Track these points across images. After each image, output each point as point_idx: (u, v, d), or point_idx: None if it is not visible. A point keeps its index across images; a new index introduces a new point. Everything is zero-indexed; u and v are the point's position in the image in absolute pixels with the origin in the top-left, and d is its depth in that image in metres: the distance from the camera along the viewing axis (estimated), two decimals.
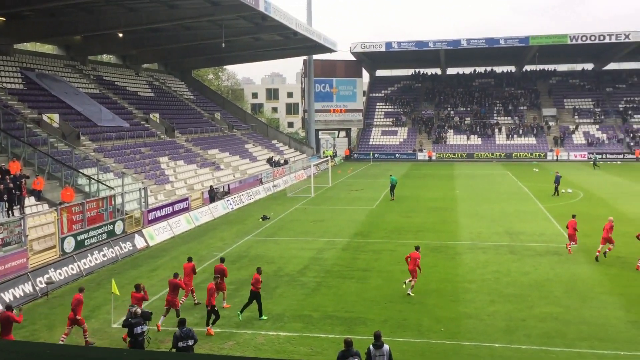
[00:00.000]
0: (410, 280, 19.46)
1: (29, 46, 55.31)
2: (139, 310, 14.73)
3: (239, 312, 17.57)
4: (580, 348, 15.00)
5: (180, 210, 33.73)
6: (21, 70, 42.11)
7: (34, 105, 38.74)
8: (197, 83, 73.30)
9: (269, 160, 56.72)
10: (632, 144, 73.27)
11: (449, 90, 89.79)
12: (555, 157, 72.02)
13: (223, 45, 47.90)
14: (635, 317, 16.96)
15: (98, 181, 30.45)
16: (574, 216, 25.45)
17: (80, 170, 31.19)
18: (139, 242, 27.38)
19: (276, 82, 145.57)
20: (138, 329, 14.30)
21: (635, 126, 76.73)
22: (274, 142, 68.37)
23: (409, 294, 19.26)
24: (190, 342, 13.54)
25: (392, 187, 41.80)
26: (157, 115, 50.72)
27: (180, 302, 17.80)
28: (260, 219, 34.11)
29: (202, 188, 40.02)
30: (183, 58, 65.10)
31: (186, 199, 35.43)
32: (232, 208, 38.08)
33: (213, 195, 37.75)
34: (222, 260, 20.18)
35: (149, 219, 30.70)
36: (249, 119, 73.60)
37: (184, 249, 27.15)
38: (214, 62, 77.03)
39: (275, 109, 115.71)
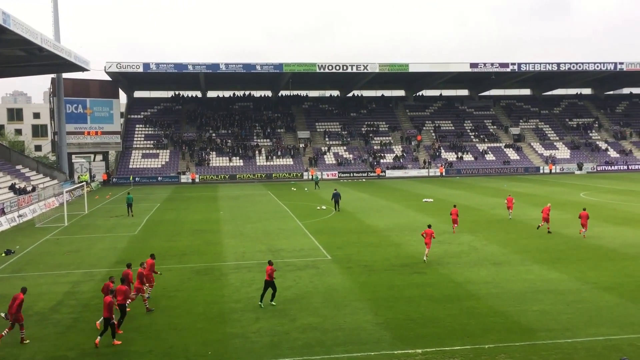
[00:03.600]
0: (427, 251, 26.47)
1: None
2: None
3: (260, 303, 20.15)
4: (337, 353, 16.17)
5: None
6: None
7: None
8: None
9: (12, 188, 50.91)
10: (374, 163, 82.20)
11: (210, 113, 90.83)
12: (310, 177, 77.29)
13: None
14: (381, 319, 18.88)
15: None
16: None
17: None
18: None
19: (20, 101, 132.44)
20: None
21: (375, 147, 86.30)
22: (19, 167, 61.59)
23: (424, 261, 26.29)
24: None
25: (129, 205, 43.50)
26: None
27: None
28: (3, 254, 30.36)
29: None
30: None
31: None
32: None
33: None
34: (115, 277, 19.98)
35: None
36: None
37: None
38: None
39: (19, 131, 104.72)
